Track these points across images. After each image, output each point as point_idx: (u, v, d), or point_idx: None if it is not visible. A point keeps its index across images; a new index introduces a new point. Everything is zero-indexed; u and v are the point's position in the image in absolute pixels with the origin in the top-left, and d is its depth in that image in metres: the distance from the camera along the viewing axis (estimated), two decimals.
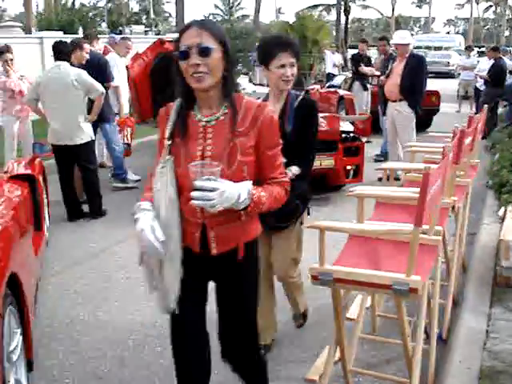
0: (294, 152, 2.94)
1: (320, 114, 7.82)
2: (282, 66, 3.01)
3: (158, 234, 2.06)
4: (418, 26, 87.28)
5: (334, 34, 25.79)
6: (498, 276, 4.15)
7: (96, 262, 5.28)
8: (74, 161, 6.40)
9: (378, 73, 10.37)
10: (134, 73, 8.67)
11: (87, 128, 6.28)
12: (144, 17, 45.02)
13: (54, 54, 6.22)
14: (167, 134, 2.19)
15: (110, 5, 49.59)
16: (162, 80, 8.89)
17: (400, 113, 7.63)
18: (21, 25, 14.95)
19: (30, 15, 18.24)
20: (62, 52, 6.18)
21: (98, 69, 6.94)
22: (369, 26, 79.04)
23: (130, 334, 3.90)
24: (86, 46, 6.83)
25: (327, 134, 6.86)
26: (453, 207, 3.56)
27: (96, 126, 7.35)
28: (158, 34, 19.00)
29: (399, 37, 7.64)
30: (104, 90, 6.33)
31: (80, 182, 6.60)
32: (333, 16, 28.25)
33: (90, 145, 6.34)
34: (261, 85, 18.81)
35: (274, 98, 3.17)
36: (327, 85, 14.80)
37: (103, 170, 7.97)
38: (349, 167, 6.97)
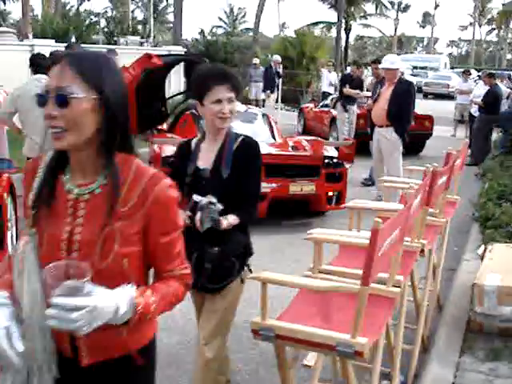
0: (231, 200, 2.61)
1: (304, 138, 7.78)
2: (218, 101, 2.63)
3: (16, 341, 1.49)
4: (420, 45, 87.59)
5: (335, 51, 25.74)
6: (471, 321, 3.95)
7: None
8: None
9: (368, 94, 10.25)
10: None
11: None
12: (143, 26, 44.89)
13: (31, 67, 6.06)
14: (30, 200, 1.64)
15: (114, 13, 49.73)
16: (148, 96, 8.76)
17: (386, 139, 7.47)
18: (14, 31, 14.83)
19: (27, 22, 18.15)
20: (40, 65, 6.02)
21: None
22: (372, 43, 79.30)
23: None
24: None
25: (309, 159, 6.71)
26: (422, 250, 3.37)
27: None
28: (156, 46, 18.91)
29: (389, 61, 7.48)
30: None
31: None
32: (335, 33, 28.20)
33: None
34: (256, 101, 18.70)
35: (210, 138, 2.79)
36: (321, 104, 14.68)
37: None
38: (331, 193, 6.79)
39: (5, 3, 46.20)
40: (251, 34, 51.84)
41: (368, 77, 17.08)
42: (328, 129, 13.22)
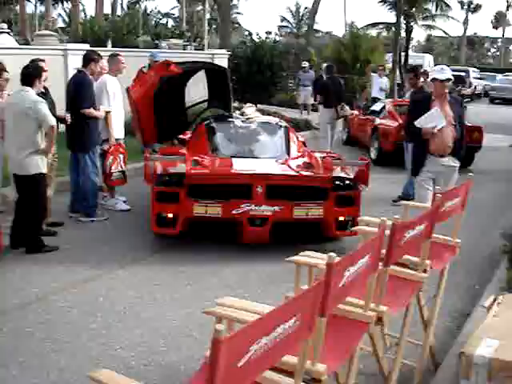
0: None
1: (317, 154, 7.08)
2: None
3: None
4: (495, 46, 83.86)
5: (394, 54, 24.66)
6: None
7: (22, 314, 4.70)
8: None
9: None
10: (136, 95, 8.13)
11: (37, 161, 5.75)
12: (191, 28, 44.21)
13: (21, 79, 5.81)
14: None
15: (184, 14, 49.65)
16: (167, 105, 8.34)
17: (451, 167, 6.05)
18: (56, 34, 14.82)
19: (76, 25, 18.22)
20: (27, 76, 5.76)
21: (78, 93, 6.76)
22: (444, 44, 76.65)
23: None
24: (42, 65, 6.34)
25: (316, 180, 6.07)
26: (380, 318, 2.75)
27: (75, 154, 6.95)
28: (202, 49, 18.53)
29: (439, 71, 5.97)
30: (55, 124, 5.74)
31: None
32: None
33: (35, 179, 5.78)
34: (304, 106, 18.08)
35: None
36: (369, 110, 13.84)
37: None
38: (341, 218, 6.10)
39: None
40: (318, 34, 50.63)
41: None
42: (369, 138, 12.44)
